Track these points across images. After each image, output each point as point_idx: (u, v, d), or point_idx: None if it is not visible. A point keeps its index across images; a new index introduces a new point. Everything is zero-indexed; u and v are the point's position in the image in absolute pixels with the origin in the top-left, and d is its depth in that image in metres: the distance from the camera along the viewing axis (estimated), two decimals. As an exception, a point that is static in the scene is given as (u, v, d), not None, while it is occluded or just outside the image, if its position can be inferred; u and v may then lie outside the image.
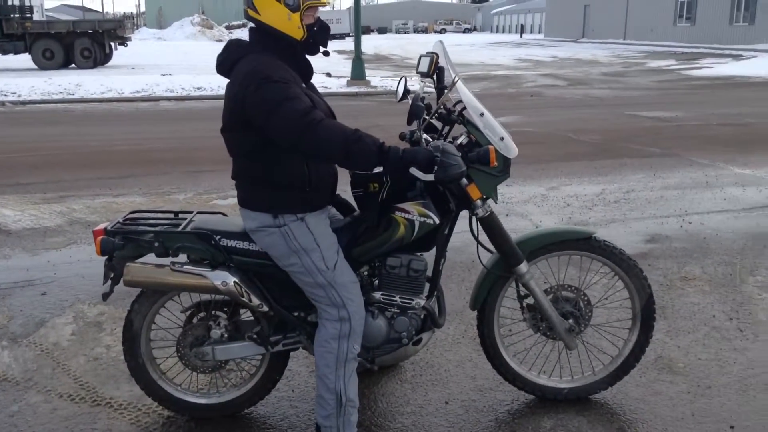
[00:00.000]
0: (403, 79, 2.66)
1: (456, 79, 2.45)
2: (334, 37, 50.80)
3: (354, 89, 15.53)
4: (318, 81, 15.93)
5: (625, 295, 2.68)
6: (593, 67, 23.12)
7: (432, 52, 2.61)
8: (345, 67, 19.78)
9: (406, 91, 2.63)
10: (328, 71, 18.65)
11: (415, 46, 39.19)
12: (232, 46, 2.33)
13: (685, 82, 16.93)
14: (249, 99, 2.14)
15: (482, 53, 34.16)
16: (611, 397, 2.72)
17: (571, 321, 2.60)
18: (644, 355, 2.71)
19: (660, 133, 9.10)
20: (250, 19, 2.30)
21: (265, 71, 2.15)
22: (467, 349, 3.14)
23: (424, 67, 2.61)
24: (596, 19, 43.81)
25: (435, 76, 2.62)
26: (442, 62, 2.59)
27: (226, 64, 2.30)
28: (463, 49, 37.97)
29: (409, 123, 2.38)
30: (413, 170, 2.24)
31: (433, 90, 2.61)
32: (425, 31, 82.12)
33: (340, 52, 32.87)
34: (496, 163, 2.34)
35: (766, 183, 6.10)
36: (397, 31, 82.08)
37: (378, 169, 2.29)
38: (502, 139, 2.43)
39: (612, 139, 8.76)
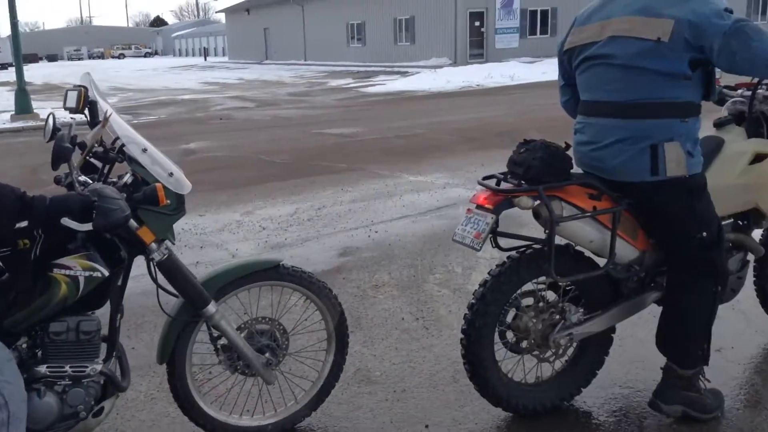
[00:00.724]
0: (51, 115, 2.33)
1: (108, 113, 2.22)
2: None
3: (19, 124, 13.86)
4: (-27, 118, 13.91)
5: (319, 317, 2.69)
6: (279, 88, 23.84)
7: (80, 86, 2.34)
8: (8, 100, 17.58)
9: (56, 129, 2.31)
10: (-13, 106, 16.41)
11: (92, 73, 36.50)
12: None
13: (363, 98, 18.30)
14: None
15: (166, 78, 33.17)
16: (316, 422, 2.71)
17: (267, 354, 2.53)
18: (343, 372, 2.74)
19: (344, 149, 9.64)
20: None
21: None
22: (163, 403, 2.89)
23: (71, 102, 2.33)
24: (277, 41, 45.40)
25: (87, 111, 2.35)
26: (92, 95, 2.34)
27: None
28: (146, 74, 36.49)
29: (55, 167, 2.08)
30: (66, 221, 1.96)
31: (88, 126, 2.34)
32: (102, 56, 77.46)
33: (2, 84, 29.28)
34: (167, 201, 2.17)
35: (436, 187, 6.78)
36: (70, 58, 76.14)
37: (24, 223, 1.97)
38: (171, 174, 2.25)
39: (302, 157, 9.04)
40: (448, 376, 3.03)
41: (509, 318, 2.63)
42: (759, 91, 2.85)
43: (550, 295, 2.68)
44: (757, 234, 2.95)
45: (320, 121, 13.21)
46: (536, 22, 30.37)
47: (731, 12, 2.30)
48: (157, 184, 2.15)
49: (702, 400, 2.57)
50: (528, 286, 2.62)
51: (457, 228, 2.52)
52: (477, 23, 29.37)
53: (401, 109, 14.85)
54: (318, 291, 2.62)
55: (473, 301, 2.55)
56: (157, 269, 2.30)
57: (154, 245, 2.24)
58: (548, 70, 20.82)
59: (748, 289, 2.97)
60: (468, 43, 29.45)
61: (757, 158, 2.75)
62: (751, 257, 2.92)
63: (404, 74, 25.79)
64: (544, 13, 30.28)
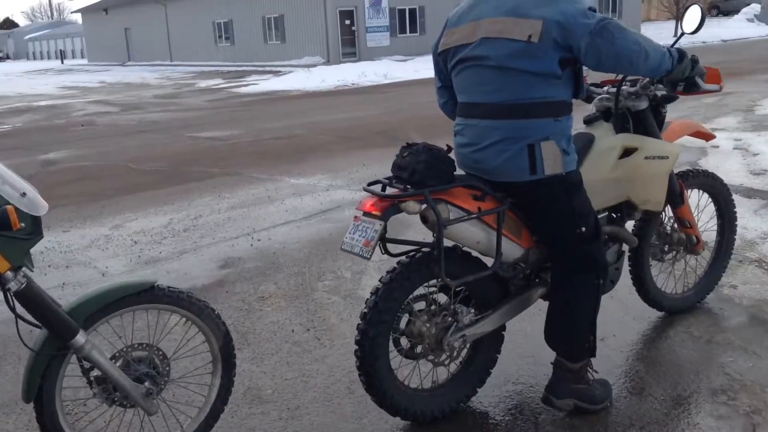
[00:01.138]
0: None
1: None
2: None
3: None
4: None
5: (202, 339, 2.53)
6: (145, 90, 22.80)
7: None
8: None
9: None
10: None
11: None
12: None
13: (235, 99, 17.83)
14: None
15: (20, 83, 30.90)
16: (206, 452, 2.54)
17: (147, 383, 2.33)
18: (232, 393, 2.59)
19: (219, 153, 9.31)
20: None
21: None
22: (32, 447, 2.62)
23: None
24: (139, 41, 43.45)
25: None
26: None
27: None
28: (-4, 80, 33.84)
29: None
30: None
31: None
32: (-55, 62, 71.07)
33: None
34: (21, 225, 1.94)
35: (319, 190, 6.63)
36: None
37: None
38: (24, 194, 2.02)
39: (174, 164, 8.64)
40: (343, 387, 2.94)
41: (402, 324, 2.59)
42: (623, 87, 2.97)
43: (442, 298, 2.66)
44: (629, 225, 3.08)
45: (191, 124, 12.72)
46: (405, 21, 30.87)
47: (595, 11, 2.37)
48: (8, 207, 1.92)
49: (591, 392, 2.64)
50: (419, 290, 2.59)
51: (345, 237, 2.45)
52: (347, 22, 29.45)
53: (276, 110, 14.59)
54: (199, 311, 2.46)
55: (365, 310, 2.48)
56: (15, 300, 2.07)
57: (9, 274, 2.01)
58: (420, 68, 21.23)
59: (624, 278, 3.10)
60: (340, 41, 29.47)
61: (626, 152, 2.86)
62: (626, 248, 3.04)
63: (277, 73, 25.42)
64: (413, 11, 30.85)
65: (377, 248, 2.44)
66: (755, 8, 33.42)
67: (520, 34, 2.35)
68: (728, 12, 41.16)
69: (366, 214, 2.41)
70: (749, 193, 5.45)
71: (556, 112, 2.45)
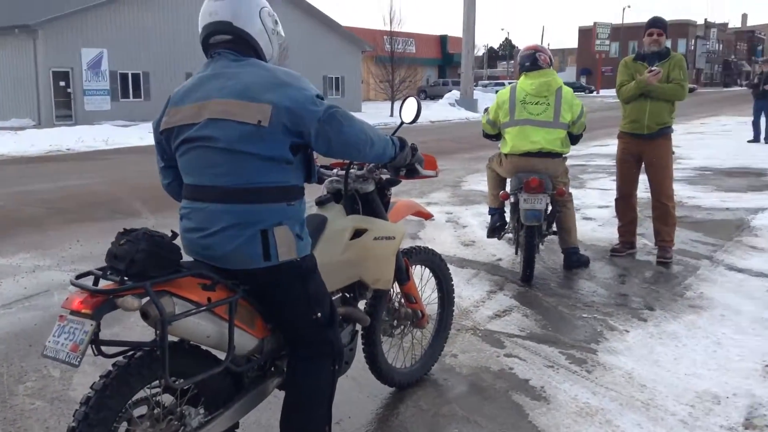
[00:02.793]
0: None
1: None
2: None
3: None
4: None
5: None
6: None
7: None
8: None
9: None
10: None
11: None
12: None
13: None
14: None
15: None
16: None
17: None
18: None
19: None
20: None
21: None
22: None
23: None
24: None
25: None
26: None
27: None
28: None
29: None
30: None
31: None
32: None
33: None
34: None
35: (23, 272, 5.78)
36: None
37: None
38: None
39: None
40: None
41: (120, 435, 2.26)
42: (351, 170, 3.04)
43: (167, 398, 2.39)
44: (361, 304, 3.12)
45: None
46: (128, 86, 29.49)
47: (323, 98, 2.40)
48: None
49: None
50: (141, 393, 2.29)
51: (48, 340, 2.09)
52: (62, 83, 27.26)
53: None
54: None
55: (74, 424, 2.12)
56: None
57: None
58: (145, 134, 20.30)
59: (358, 356, 3.10)
60: (53, 103, 27.09)
61: (357, 233, 2.92)
62: (359, 327, 3.06)
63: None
64: (136, 76, 29.60)
65: (89, 349, 2.12)
66: (456, 94, 38.04)
67: (249, 117, 2.30)
68: (434, 96, 46.42)
69: (74, 312, 2.09)
70: (462, 263, 5.96)
71: (289, 197, 2.41)
